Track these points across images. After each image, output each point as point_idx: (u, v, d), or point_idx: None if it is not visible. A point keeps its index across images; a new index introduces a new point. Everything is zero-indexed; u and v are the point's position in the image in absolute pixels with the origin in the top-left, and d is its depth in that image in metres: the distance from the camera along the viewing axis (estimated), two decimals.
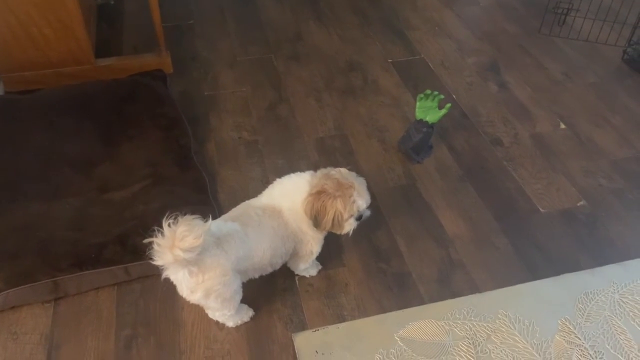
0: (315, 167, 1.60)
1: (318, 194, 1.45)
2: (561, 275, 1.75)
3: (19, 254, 1.68)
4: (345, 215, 1.46)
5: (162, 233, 1.25)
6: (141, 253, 1.70)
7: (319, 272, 1.75)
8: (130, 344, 1.56)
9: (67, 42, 2.32)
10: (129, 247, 1.71)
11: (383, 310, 1.66)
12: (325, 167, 1.56)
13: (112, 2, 3.01)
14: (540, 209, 2.00)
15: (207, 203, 1.89)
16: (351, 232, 1.51)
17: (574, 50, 2.84)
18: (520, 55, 2.81)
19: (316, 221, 1.47)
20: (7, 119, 2.08)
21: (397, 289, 1.72)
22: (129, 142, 2.06)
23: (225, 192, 1.99)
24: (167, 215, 1.24)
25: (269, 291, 1.70)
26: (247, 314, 1.61)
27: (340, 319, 1.63)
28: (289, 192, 1.52)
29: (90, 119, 2.10)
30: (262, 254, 1.49)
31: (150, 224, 1.75)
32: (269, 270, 1.58)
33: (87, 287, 1.67)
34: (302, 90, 2.51)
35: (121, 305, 1.65)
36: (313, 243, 1.59)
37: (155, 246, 1.26)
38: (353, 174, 1.53)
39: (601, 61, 2.77)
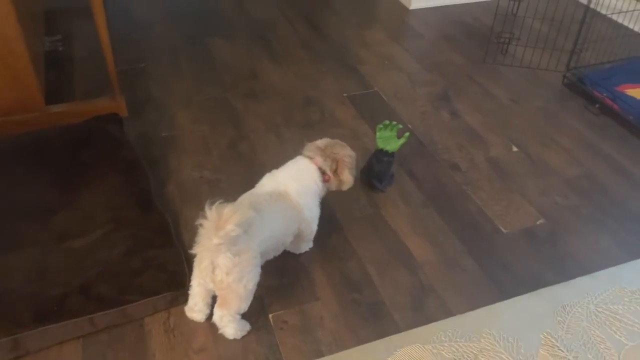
0: None
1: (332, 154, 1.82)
2: (537, 291, 1.79)
3: None
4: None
5: (206, 217, 1.38)
6: (107, 301, 1.65)
7: (293, 307, 1.73)
8: None
9: (15, 90, 2.24)
10: (93, 296, 1.64)
11: (360, 341, 1.64)
12: None
13: (61, 49, 2.96)
14: (502, 229, 2.06)
15: (172, 245, 1.84)
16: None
17: (518, 76, 2.99)
18: (469, 83, 2.92)
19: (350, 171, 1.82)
20: None
21: (372, 319, 1.71)
22: (87, 188, 1.99)
23: (189, 233, 1.94)
24: (208, 202, 1.38)
25: None
26: (245, 326, 1.63)
27: (318, 354, 1.60)
28: (297, 176, 1.75)
29: (45, 166, 2.02)
30: (279, 234, 1.67)
31: (115, 270, 1.72)
32: (281, 249, 1.76)
33: (49, 343, 1.57)
34: (261, 126, 2.52)
35: (87, 359, 1.57)
36: (312, 223, 1.80)
37: (200, 230, 1.40)
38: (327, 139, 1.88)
39: (544, 86, 2.92)
